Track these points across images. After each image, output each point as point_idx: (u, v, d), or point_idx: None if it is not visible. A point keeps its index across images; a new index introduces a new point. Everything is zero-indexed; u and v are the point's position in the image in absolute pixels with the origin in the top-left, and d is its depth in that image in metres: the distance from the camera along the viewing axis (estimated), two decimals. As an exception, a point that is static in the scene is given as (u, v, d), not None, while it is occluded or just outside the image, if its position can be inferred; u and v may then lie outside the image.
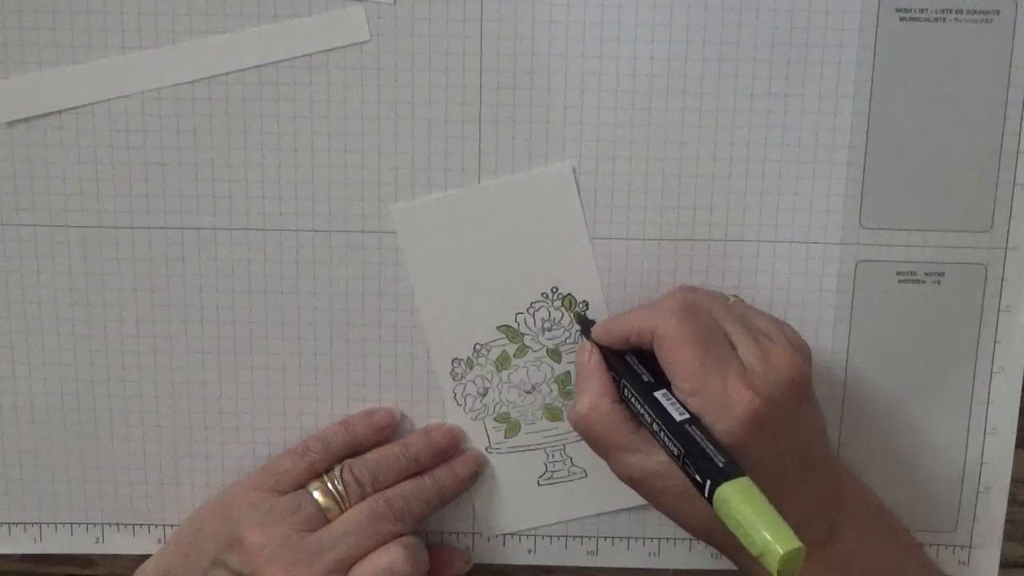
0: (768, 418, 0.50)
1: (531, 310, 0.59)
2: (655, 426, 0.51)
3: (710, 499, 0.48)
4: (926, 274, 0.58)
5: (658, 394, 0.52)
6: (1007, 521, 0.61)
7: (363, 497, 0.57)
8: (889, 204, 0.58)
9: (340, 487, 0.57)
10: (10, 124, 0.57)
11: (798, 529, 0.53)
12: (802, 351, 0.54)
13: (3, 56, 0.57)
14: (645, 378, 0.53)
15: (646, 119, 0.57)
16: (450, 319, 0.59)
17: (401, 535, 0.56)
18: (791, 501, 0.53)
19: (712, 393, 0.51)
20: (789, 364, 0.52)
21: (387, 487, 0.57)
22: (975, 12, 0.56)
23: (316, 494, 0.56)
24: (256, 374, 0.60)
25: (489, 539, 0.62)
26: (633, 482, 0.54)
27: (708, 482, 0.48)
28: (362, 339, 0.60)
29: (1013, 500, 0.61)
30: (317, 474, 0.57)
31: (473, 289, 0.59)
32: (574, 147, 0.57)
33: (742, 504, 0.46)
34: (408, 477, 0.58)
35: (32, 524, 0.62)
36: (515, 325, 0.59)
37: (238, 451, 0.61)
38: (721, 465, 0.48)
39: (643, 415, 0.52)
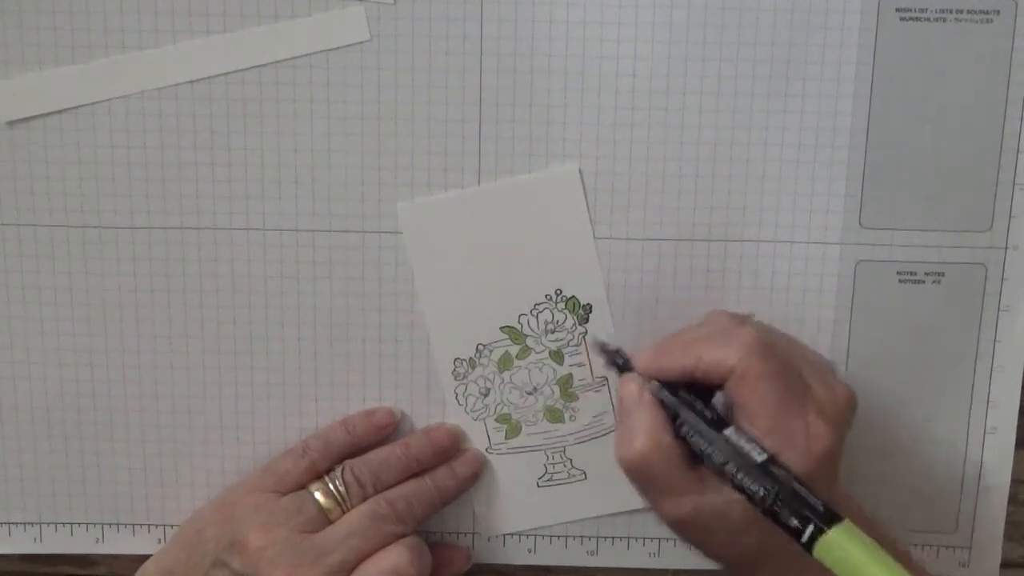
0: (837, 452, 0.51)
1: (535, 311, 0.59)
2: (730, 466, 0.49)
3: (809, 544, 0.46)
4: (926, 274, 0.58)
5: (728, 432, 0.50)
6: (1007, 521, 0.61)
7: (364, 498, 0.56)
8: (889, 204, 0.58)
9: (341, 487, 0.56)
10: (10, 124, 0.57)
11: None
12: (846, 382, 0.54)
13: (3, 56, 0.57)
14: (709, 414, 0.51)
15: (646, 119, 0.57)
16: (453, 319, 0.59)
17: (403, 536, 0.56)
18: None
19: (793, 431, 0.50)
20: (850, 397, 0.52)
21: (388, 487, 0.57)
22: (975, 12, 0.56)
23: (317, 495, 0.56)
24: (256, 374, 0.60)
25: (489, 539, 0.62)
26: (682, 523, 0.52)
27: (810, 528, 0.46)
28: (362, 339, 0.60)
29: (1013, 500, 0.61)
30: (318, 474, 0.57)
31: (477, 289, 0.59)
32: (574, 147, 0.57)
33: (853, 549, 0.45)
34: (409, 477, 0.58)
35: (32, 524, 0.62)
36: (518, 326, 0.59)
37: (238, 451, 0.61)
38: (821, 509, 0.47)
39: (710, 454, 0.50)
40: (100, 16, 0.56)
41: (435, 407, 0.60)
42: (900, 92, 0.56)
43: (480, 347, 0.59)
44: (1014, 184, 0.57)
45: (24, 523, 0.62)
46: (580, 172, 0.58)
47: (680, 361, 0.52)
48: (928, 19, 0.56)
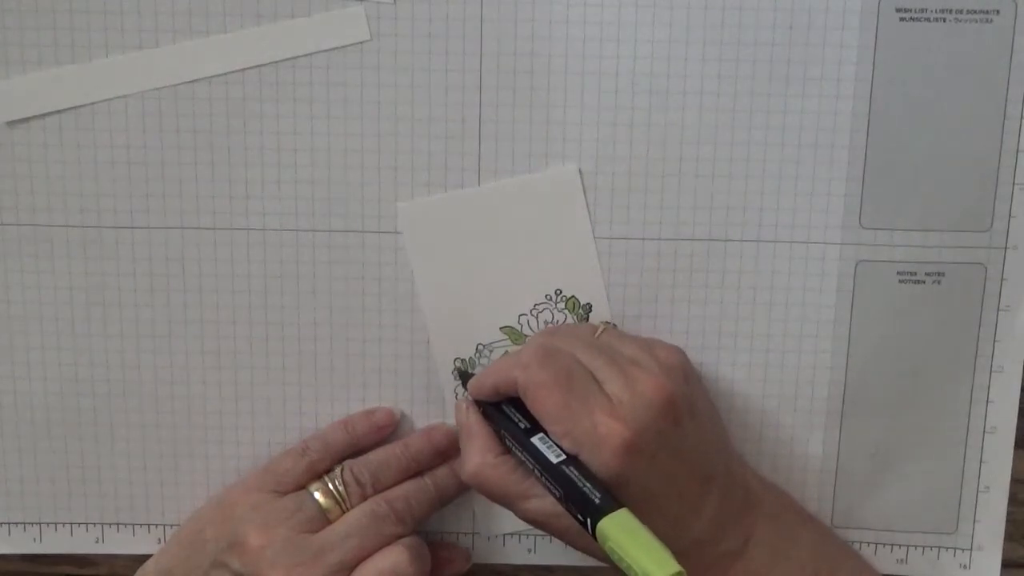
0: (642, 445, 0.51)
1: (535, 311, 0.59)
2: (537, 471, 0.52)
3: (595, 536, 0.48)
4: (926, 274, 0.58)
5: (535, 439, 0.52)
6: (1007, 521, 0.61)
7: (364, 497, 0.57)
8: (889, 204, 0.58)
9: (341, 487, 0.56)
10: (10, 124, 0.57)
11: (711, 544, 0.54)
12: (672, 371, 0.54)
13: (3, 56, 0.57)
14: (522, 425, 0.53)
15: (646, 119, 0.57)
16: (453, 319, 0.59)
17: (403, 536, 0.56)
18: (697, 519, 0.53)
19: (582, 431, 0.51)
20: (656, 388, 0.52)
21: (387, 487, 0.57)
22: (975, 12, 0.56)
23: (317, 495, 0.56)
24: (256, 374, 0.60)
25: (489, 539, 0.62)
26: (539, 525, 0.54)
27: (589, 520, 0.49)
28: (362, 339, 0.60)
29: (1013, 500, 0.61)
30: (317, 474, 0.57)
31: (477, 289, 0.59)
32: (574, 147, 0.57)
33: (620, 536, 0.47)
34: (408, 477, 0.58)
35: (32, 524, 0.62)
36: (518, 326, 0.59)
37: (238, 451, 0.61)
38: (597, 501, 0.49)
39: (526, 462, 0.53)
40: (100, 16, 0.56)
41: (435, 407, 0.60)
42: (900, 92, 0.56)
43: (480, 347, 0.59)
44: (1014, 184, 0.57)
45: (24, 523, 0.62)
46: (580, 172, 0.58)
47: (488, 381, 0.55)
48: (928, 19, 0.56)
